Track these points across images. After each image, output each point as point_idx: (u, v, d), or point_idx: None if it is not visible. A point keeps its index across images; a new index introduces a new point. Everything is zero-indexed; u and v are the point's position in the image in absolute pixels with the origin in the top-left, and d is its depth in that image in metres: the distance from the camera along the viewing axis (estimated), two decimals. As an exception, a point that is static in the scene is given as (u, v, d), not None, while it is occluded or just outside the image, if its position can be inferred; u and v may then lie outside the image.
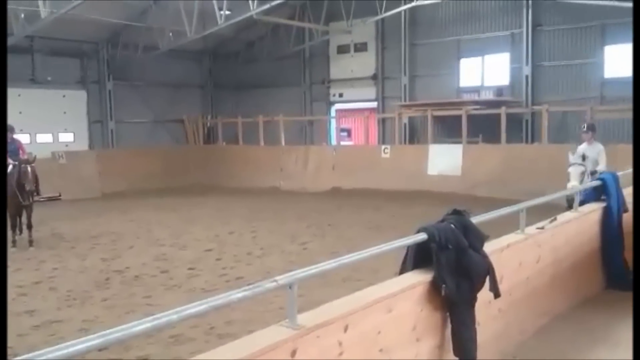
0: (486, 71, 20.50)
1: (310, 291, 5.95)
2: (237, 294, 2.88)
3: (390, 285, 3.94)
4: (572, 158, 9.23)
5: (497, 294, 4.48)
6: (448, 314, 4.18)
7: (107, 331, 2.35)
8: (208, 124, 25.71)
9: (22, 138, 14.02)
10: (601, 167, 8.96)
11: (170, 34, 20.77)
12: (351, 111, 23.98)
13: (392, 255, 5.50)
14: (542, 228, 5.79)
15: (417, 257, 4.27)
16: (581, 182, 8.59)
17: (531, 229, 5.74)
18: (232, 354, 2.78)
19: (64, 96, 21.82)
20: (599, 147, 9.28)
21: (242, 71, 25.45)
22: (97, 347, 2.34)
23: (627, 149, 9.14)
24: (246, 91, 25.50)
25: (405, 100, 21.46)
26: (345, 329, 3.27)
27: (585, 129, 9.53)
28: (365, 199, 16.89)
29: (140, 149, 22.33)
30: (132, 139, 23.19)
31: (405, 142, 21.07)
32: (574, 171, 9.01)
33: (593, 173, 8.69)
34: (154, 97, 24.06)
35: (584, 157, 9.16)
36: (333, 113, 24.13)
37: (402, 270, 4.43)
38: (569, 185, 8.65)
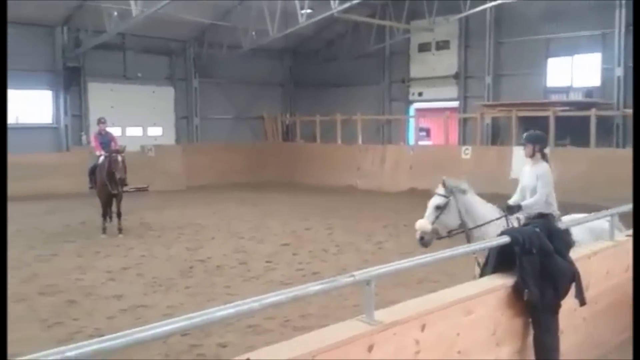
0: (575, 71, 19.59)
1: (384, 291, 5.92)
2: (315, 287, 2.93)
3: (469, 288, 3.87)
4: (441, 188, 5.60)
5: (582, 302, 4.30)
6: (530, 320, 4.05)
7: (193, 314, 2.45)
8: (287, 122, 26.15)
9: (114, 131, 14.80)
10: (530, 201, 5.67)
11: (254, 33, 21.27)
12: (431, 110, 23.61)
13: (470, 259, 5.40)
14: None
15: (499, 261, 4.16)
16: (434, 220, 5.44)
17: (621, 236, 5.44)
18: (309, 344, 2.82)
19: (153, 92, 22.87)
20: (541, 169, 5.75)
21: (321, 69, 25.67)
22: (182, 329, 2.45)
23: None
24: (325, 89, 25.69)
25: (488, 100, 20.89)
26: (423, 328, 3.25)
27: (524, 139, 5.95)
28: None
29: (223, 144, 23.05)
30: (215, 135, 23.97)
31: (487, 144, 20.50)
32: (430, 204, 5.62)
33: (513, 210, 5.59)
34: (236, 94, 24.74)
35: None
36: (412, 112, 23.85)
37: (483, 274, 4.34)
38: (417, 225, 5.51)
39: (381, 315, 3.15)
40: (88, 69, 20.86)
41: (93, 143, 12.85)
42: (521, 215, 5.55)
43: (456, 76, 22.39)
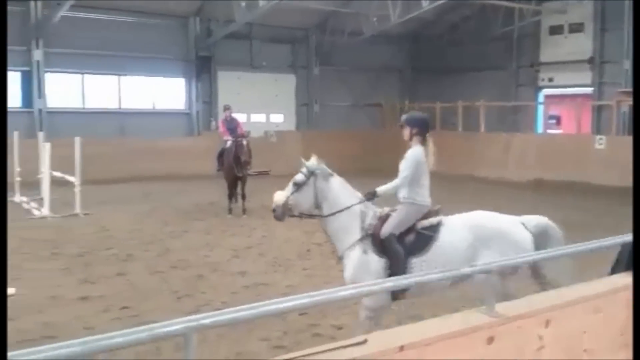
0: None
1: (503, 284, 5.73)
2: (436, 275, 2.91)
3: (598, 285, 3.64)
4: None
5: None
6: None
7: (314, 292, 2.54)
8: (406, 108, 25.85)
9: (239, 117, 15.53)
10: (386, 186, 5.17)
11: (375, 19, 21.22)
12: (562, 97, 22.22)
13: (598, 256, 5.06)
14: None
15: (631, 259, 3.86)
16: (289, 196, 5.12)
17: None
18: (425, 332, 2.81)
19: (275, 80, 23.65)
20: (409, 152, 5.15)
21: (443, 54, 25.04)
22: (304, 306, 2.54)
23: None
24: (445, 75, 25.06)
25: (626, 87, 19.26)
26: (547, 324, 3.11)
27: (403, 121, 5.27)
28: (571, 193, 15.64)
29: (340, 131, 23.31)
30: (333, 121, 24.32)
31: (623, 134, 18.96)
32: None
33: (369, 196, 5.11)
34: (354, 81, 24.88)
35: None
36: (541, 99, 22.60)
37: (614, 271, 4.06)
38: (274, 196, 5.23)
39: (503, 308, 3.06)
40: (218, 58, 22.00)
41: (221, 128, 13.58)
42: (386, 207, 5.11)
43: (590, 61, 20.85)
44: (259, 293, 7.13)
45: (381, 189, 5.11)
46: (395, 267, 4.69)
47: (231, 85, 22.45)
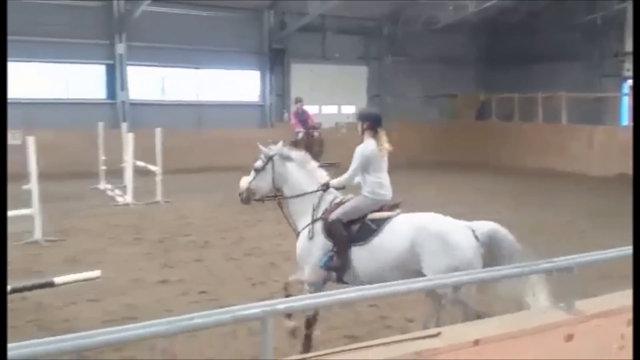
0: None
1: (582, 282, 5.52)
2: (510, 270, 2.86)
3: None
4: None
5: None
6: None
7: (385, 284, 2.56)
8: (481, 100, 25.18)
9: (311, 110, 15.64)
10: (337, 179, 5.37)
11: (451, 8, 20.77)
12: (649, 88, 20.96)
13: None
14: None
15: None
16: (251, 181, 5.47)
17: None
18: (500, 327, 2.77)
19: (347, 71, 23.66)
20: (359, 146, 5.29)
21: (520, 44, 24.15)
22: (375, 297, 2.57)
23: None
24: (524, 66, 24.16)
25: None
26: (629, 323, 2.99)
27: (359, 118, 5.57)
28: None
29: (412, 122, 23.01)
30: (404, 113, 24.05)
31: None
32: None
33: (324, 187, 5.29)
34: (427, 72, 24.45)
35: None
36: (626, 90, 21.41)
37: None
38: (240, 181, 5.59)
39: (582, 305, 2.97)
40: (291, 50, 22.27)
41: (292, 120, 13.77)
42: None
43: (682, 48, 19.54)
44: (329, 283, 7.20)
45: (334, 181, 5.36)
46: (338, 251, 4.94)
47: (303, 77, 22.66)
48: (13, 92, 18.40)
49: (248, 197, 5.53)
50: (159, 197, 12.75)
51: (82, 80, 19.84)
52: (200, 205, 12.64)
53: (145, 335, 1.96)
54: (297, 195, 5.30)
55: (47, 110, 18.37)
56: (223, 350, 5.11)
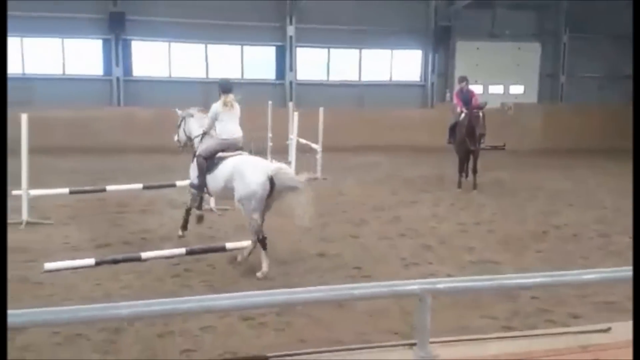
0: None
1: None
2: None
3: None
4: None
5: None
6: None
7: (555, 272, 2.37)
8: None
9: (476, 89, 15.03)
10: (197, 132, 7.75)
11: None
12: None
13: None
14: None
15: None
16: (177, 133, 8.19)
17: None
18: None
19: (518, 49, 22.33)
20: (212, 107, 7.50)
21: None
22: (540, 285, 2.40)
23: None
24: None
25: None
26: None
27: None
28: None
29: (589, 105, 21.16)
30: (581, 94, 22.17)
31: None
32: None
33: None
34: (610, 50, 22.20)
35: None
36: None
37: None
38: None
39: None
40: (457, 27, 21.54)
41: (455, 100, 13.33)
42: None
43: None
44: (487, 270, 6.92)
45: (204, 128, 7.55)
46: (199, 176, 7.25)
47: (469, 55, 21.86)
48: (195, 72, 20.20)
49: (180, 146, 8.06)
50: (318, 174, 13.19)
51: (256, 62, 21.12)
52: (357, 183, 12.85)
53: (301, 301, 2.03)
54: (193, 138, 7.69)
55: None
56: (375, 325, 5.17)
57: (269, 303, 2.03)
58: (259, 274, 6.53)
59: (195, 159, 7.37)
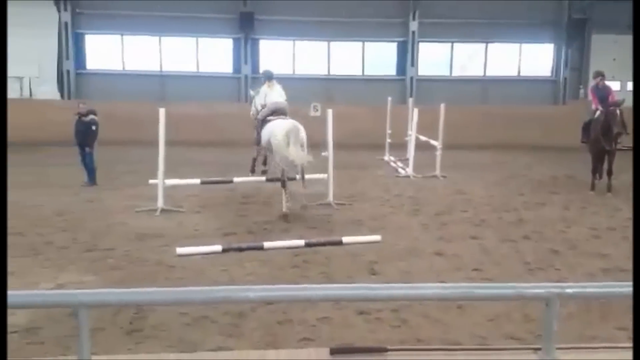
0: None
1: None
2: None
3: None
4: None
5: None
6: None
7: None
8: None
9: (612, 85, 13.96)
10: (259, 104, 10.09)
11: None
12: None
13: None
14: None
15: None
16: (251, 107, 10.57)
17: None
18: None
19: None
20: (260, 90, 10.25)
21: None
22: None
23: None
24: None
25: None
26: None
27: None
28: None
29: None
30: None
31: None
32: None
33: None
34: None
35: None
36: None
37: None
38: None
39: None
40: (593, 20, 20.13)
41: (590, 96, 12.50)
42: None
43: None
44: (620, 280, 6.41)
45: (261, 101, 9.93)
46: (257, 133, 9.63)
47: (606, 49, 20.33)
48: (317, 69, 20.67)
49: (253, 117, 10.08)
50: (437, 171, 12.95)
51: (377, 58, 21.15)
52: (478, 182, 12.45)
53: (420, 297, 2.02)
54: (259, 111, 9.84)
55: (343, 86, 20.16)
56: (495, 330, 5.00)
57: (390, 297, 2.04)
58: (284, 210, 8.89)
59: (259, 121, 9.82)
